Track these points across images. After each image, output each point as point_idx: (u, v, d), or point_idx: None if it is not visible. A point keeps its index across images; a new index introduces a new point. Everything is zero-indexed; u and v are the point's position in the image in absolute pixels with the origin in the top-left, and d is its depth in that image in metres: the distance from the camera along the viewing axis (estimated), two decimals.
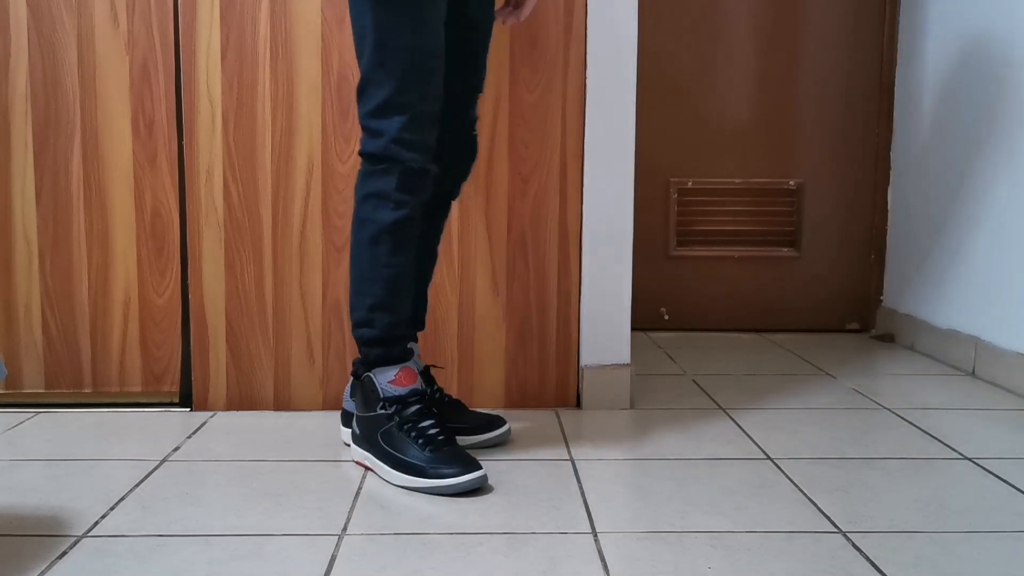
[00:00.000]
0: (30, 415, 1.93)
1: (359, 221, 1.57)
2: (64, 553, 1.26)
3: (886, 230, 2.94)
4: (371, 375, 1.58)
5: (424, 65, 1.51)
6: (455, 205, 1.93)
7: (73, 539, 1.30)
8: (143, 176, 1.94)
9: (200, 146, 1.92)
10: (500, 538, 1.32)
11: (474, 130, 1.74)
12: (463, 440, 1.69)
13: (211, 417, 1.93)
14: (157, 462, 1.64)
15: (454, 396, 1.89)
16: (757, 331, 2.97)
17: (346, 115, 1.92)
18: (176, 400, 1.99)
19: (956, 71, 2.52)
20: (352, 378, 1.67)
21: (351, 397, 1.68)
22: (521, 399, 2.00)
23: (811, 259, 2.97)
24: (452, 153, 1.70)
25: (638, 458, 1.68)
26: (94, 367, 1.98)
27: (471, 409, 1.82)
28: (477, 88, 1.72)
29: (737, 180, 2.95)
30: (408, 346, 1.66)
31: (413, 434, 1.54)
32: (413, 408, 1.57)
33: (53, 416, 1.92)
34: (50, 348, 1.97)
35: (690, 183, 2.95)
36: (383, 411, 1.57)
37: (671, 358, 2.56)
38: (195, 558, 1.24)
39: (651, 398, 2.11)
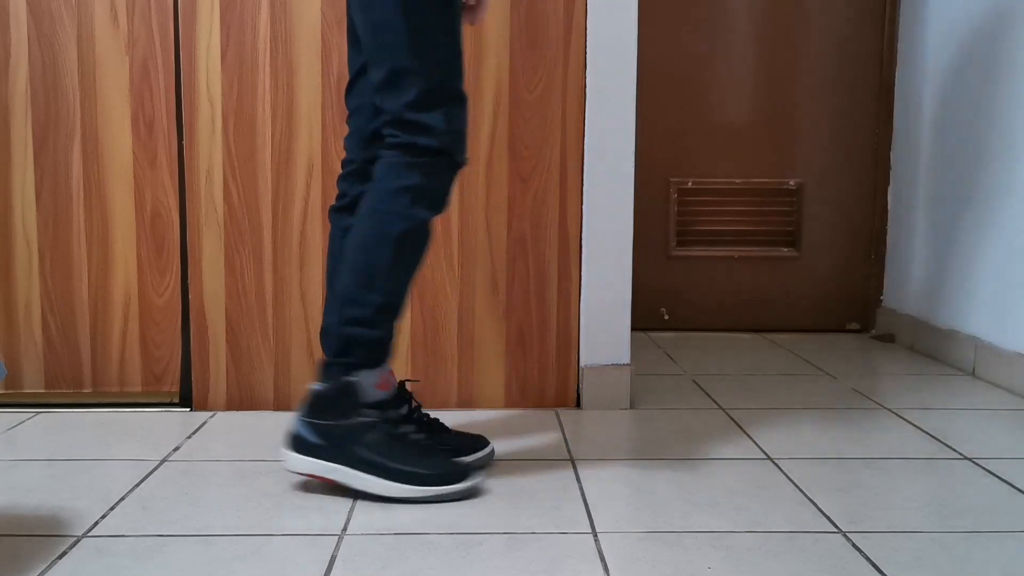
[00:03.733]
0: (30, 415, 1.93)
1: (386, 213, 1.43)
2: (64, 553, 1.26)
3: (886, 230, 2.94)
4: (357, 379, 1.44)
5: (460, 48, 1.43)
6: (456, 204, 1.93)
7: (73, 539, 1.30)
8: (143, 176, 1.94)
9: (200, 146, 1.92)
10: (500, 538, 1.32)
11: None
12: None
13: (211, 417, 1.93)
14: (157, 462, 1.64)
15: (454, 398, 1.89)
16: (757, 331, 2.97)
17: (346, 115, 1.92)
18: (176, 400, 1.99)
19: (956, 71, 2.52)
20: (323, 379, 1.47)
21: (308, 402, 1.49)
22: (521, 399, 2.00)
23: (811, 259, 2.97)
24: None
25: (638, 458, 1.68)
26: (94, 367, 1.98)
27: (452, 430, 1.65)
28: None
29: (737, 180, 2.95)
30: None
31: (405, 442, 1.47)
32: (398, 414, 1.50)
33: (53, 416, 1.92)
34: (50, 348, 1.97)
35: (690, 183, 2.95)
36: (364, 418, 1.44)
37: (671, 358, 2.56)
38: (195, 558, 1.24)
39: (651, 398, 2.11)
